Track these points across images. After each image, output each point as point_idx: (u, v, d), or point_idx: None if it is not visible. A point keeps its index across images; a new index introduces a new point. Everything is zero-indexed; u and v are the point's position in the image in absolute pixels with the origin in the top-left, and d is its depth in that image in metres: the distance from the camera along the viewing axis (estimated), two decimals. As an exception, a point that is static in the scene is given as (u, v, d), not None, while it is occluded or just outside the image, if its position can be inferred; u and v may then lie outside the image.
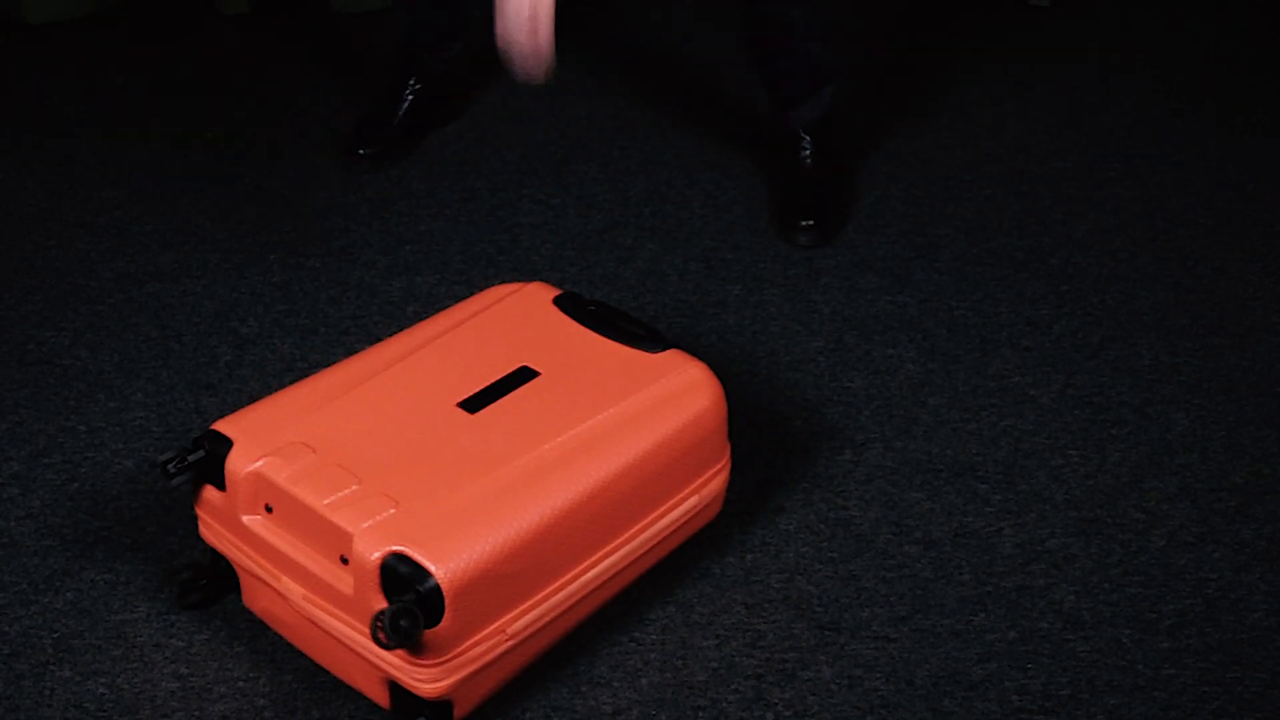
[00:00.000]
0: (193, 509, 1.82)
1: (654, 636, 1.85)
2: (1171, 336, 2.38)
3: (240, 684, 1.76)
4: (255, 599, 1.81)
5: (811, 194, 2.57)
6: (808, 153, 2.56)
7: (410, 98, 2.71)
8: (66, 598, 1.87)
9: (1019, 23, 3.32)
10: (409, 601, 1.57)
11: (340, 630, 1.68)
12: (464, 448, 1.75)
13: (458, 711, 1.70)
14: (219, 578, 1.84)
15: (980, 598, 1.91)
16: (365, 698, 1.75)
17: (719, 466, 1.91)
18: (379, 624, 1.55)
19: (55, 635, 1.82)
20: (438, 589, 1.59)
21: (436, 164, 2.72)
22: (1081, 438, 2.17)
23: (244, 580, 1.81)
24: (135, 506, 1.99)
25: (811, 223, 2.52)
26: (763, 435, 2.15)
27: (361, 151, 2.68)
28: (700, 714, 1.76)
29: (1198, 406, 2.23)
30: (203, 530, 1.81)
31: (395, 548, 1.60)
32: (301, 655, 1.80)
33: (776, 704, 1.77)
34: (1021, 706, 1.78)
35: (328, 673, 1.78)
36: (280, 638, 1.82)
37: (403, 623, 1.55)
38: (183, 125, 2.84)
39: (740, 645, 1.84)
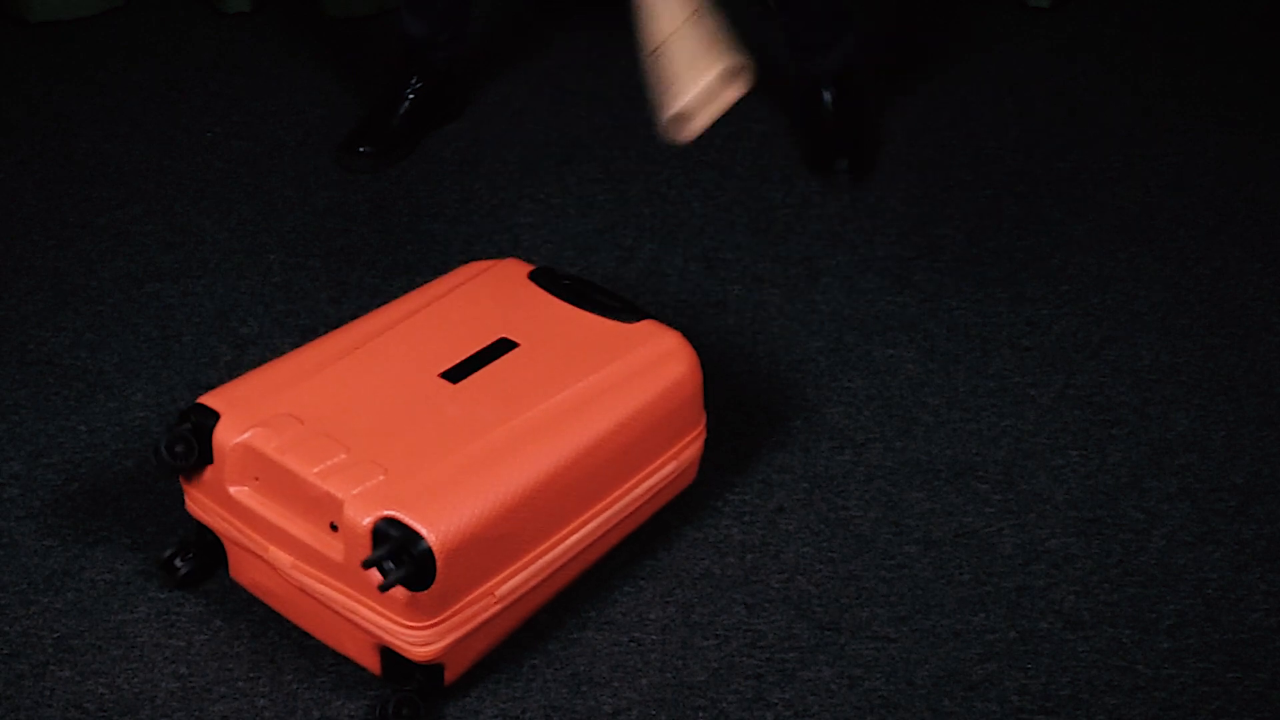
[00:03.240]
0: (178, 483, 1.84)
1: (654, 636, 1.85)
2: (1171, 336, 2.38)
3: (240, 684, 1.76)
4: (242, 571, 1.83)
5: (838, 139, 2.61)
6: (830, 102, 2.58)
7: (412, 97, 2.71)
8: (66, 598, 1.87)
9: (1019, 23, 3.32)
10: (390, 552, 1.60)
11: (331, 598, 1.70)
12: (448, 416, 1.77)
13: (449, 674, 1.72)
14: (206, 552, 1.85)
15: (980, 598, 1.91)
16: (366, 698, 1.75)
17: (695, 434, 1.94)
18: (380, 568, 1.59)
19: (55, 635, 1.82)
20: (429, 552, 1.61)
21: (436, 164, 2.72)
22: (1081, 438, 2.17)
23: (231, 552, 1.83)
24: (135, 506, 1.99)
25: (846, 163, 2.58)
26: (763, 435, 2.15)
27: (362, 150, 2.67)
28: (700, 714, 1.76)
29: (1198, 406, 2.23)
30: (189, 505, 1.83)
31: (386, 512, 1.63)
32: (301, 656, 1.80)
33: (776, 704, 1.77)
34: (1021, 706, 1.78)
35: (328, 673, 1.78)
36: (276, 634, 1.82)
37: (389, 564, 1.59)
38: (183, 125, 2.84)
39: (740, 645, 1.84)
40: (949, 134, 2.90)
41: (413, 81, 2.71)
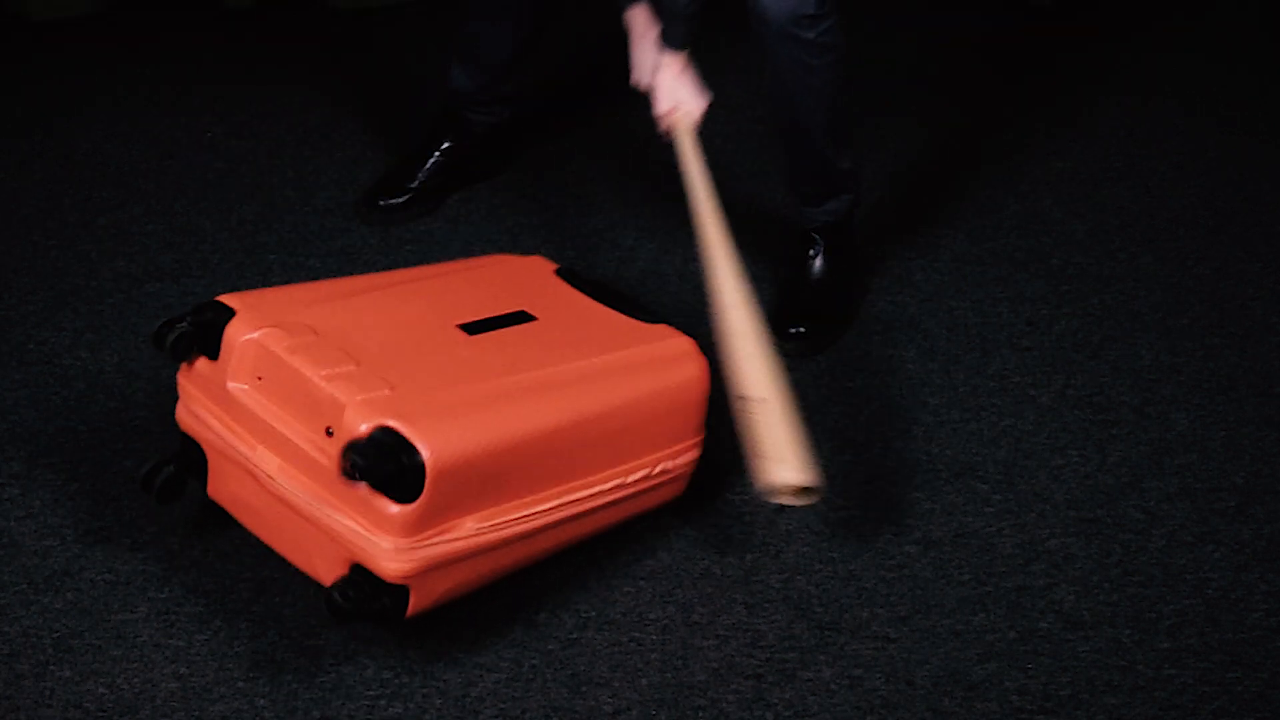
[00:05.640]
0: (176, 380, 1.85)
1: (654, 636, 1.85)
2: (1171, 336, 2.38)
3: (240, 684, 1.76)
4: (222, 485, 1.83)
5: (810, 300, 2.37)
6: (816, 256, 2.38)
7: (439, 157, 2.61)
8: (66, 598, 1.87)
9: (1019, 23, 3.32)
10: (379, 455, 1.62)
11: (312, 505, 1.70)
12: (459, 358, 1.80)
13: (413, 603, 1.71)
14: (186, 466, 1.85)
15: (980, 598, 1.91)
16: (365, 699, 1.75)
17: (693, 442, 1.95)
18: (352, 457, 1.61)
19: (55, 635, 1.82)
20: (421, 466, 1.62)
21: (436, 164, 2.72)
22: (1081, 438, 2.17)
23: (213, 464, 1.83)
24: (135, 506, 1.99)
25: (803, 330, 2.33)
26: (763, 435, 2.15)
27: (381, 203, 2.59)
28: (700, 714, 1.76)
29: (1198, 406, 2.23)
30: (180, 412, 1.84)
31: (386, 422, 1.64)
32: (301, 656, 1.80)
33: (776, 704, 1.77)
34: (1021, 706, 1.78)
35: (328, 673, 1.78)
36: (276, 634, 1.82)
37: (357, 459, 1.60)
38: (183, 125, 2.83)
39: (740, 645, 1.84)
40: (949, 134, 2.90)
41: (445, 144, 2.61)
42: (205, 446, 1.83)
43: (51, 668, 1.78)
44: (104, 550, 1.93)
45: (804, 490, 1.84)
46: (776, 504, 1.90)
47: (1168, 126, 2.94)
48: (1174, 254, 2.58)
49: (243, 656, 1.80)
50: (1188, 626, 1.88)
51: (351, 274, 2.44)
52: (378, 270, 2.44)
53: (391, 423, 1.64)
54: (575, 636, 1.84)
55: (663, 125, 2.24)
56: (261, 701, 1.75)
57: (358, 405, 1.66)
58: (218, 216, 2.58)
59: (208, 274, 2.44)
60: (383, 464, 1.62)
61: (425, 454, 1.63)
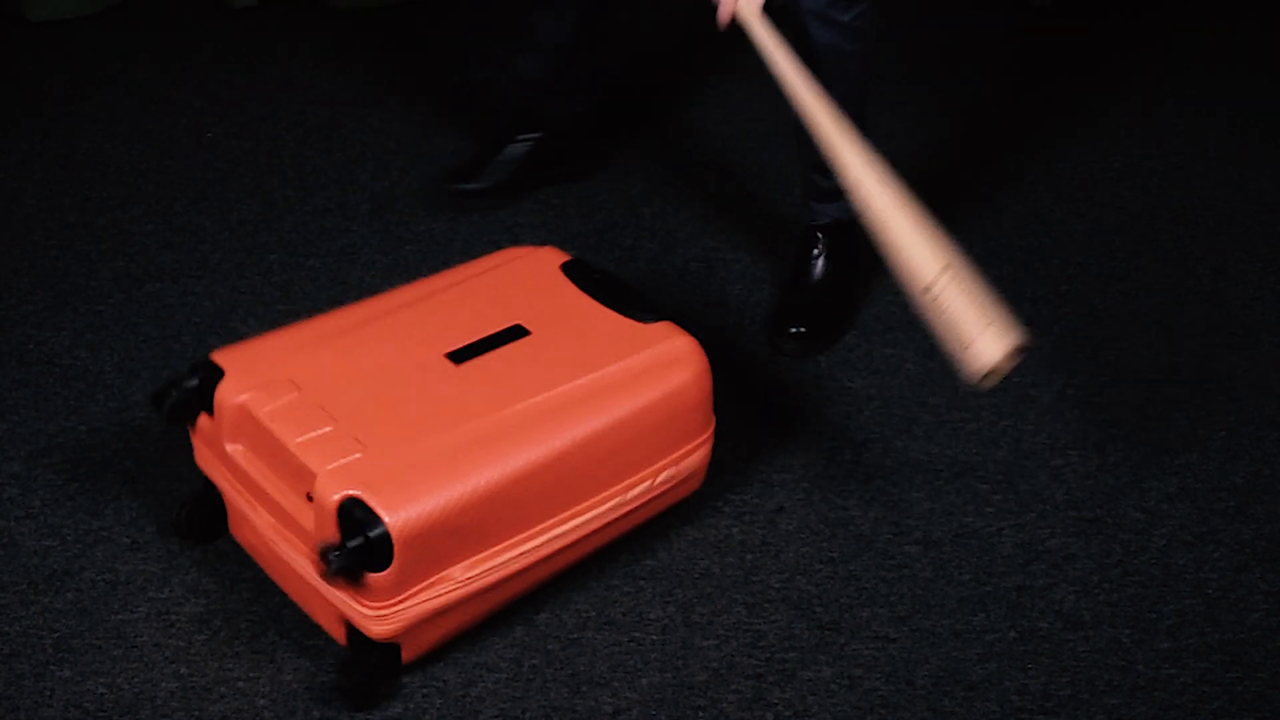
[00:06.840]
0: (189, 434, 1.88)
1: (654, 636, 1.85)
2: (1171, 336, 2.38)
3: (240, 684, 1.76)
4: (239, 529, 1.87)
5: (811, 300, 2.37)
6: (819, 256, 2.37)
7: (517, 148, 2.60)
8: (66, 598, 1.87)
9: (1019, 23, 3.32)
10: (345, 545, 1.64)
11: (302, 565, 1.73)
12: (442, 398, 1.79)
13: (406, 654, 1.74)
14: (210, 506, 1.89)
15: (980, 598, 1.91)
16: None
17: (700, 441, 1.93)
18: (326, 557, 1.63)
19: (55, 635, 1.82)
20: (386, 535, 1.63)
21: (436, 164, 2.72)
22: (1081, 438, 2.17)
23: (230, 509, 1.87)
24: (135, 507, 1.99)
25: (803, 330, 2.32)
26: (763, 435, 2.15)
27: (453, 186, 2.60)
28: (700, 714, 1.76)
29: (1198, 406, 2.23)
30: (197, 457, 1.87)
31: (352, 492, 1.65)
32: (301, 656, 1.80)
33: (776, 704, 1.77)
34: (1021, 706, 1.78)
35: (328, 673, 1.78)
36: (276, 634, 1.82)
37: (332, 556, 1.63)
38: (183, 125, 2.83)
39: (740, 645, 1.84)
40: (950, 134, 2.90)
41: (519, 135, 2.60)
42: (221, 492, 1.86)
43: (51, 668, 1.78)
44: (104, 550, 1.93)
45: (1017, 351, 1.80)
46: (987, 386, 1.84)
47: (1168, 126, 2.94)
48: (1174, 254, 2.58)
49: (243, 656, 1.80)
50: (1188, 626, 1.88)
51: (352, 274, 2.44)
52: (377, 270, 2.45)
53: (356, 492, 1.65)
54: (575, 636, 1.84)
55: (724, 15, 2.10)
56: (261, 701, 1.75)
57: (326, 476, 1.67)
58: (218, 216, 2.58)
59: (208, 274, 2.44)
60: (358, 558, 1.64)
61: (390, 522, 1.64)
